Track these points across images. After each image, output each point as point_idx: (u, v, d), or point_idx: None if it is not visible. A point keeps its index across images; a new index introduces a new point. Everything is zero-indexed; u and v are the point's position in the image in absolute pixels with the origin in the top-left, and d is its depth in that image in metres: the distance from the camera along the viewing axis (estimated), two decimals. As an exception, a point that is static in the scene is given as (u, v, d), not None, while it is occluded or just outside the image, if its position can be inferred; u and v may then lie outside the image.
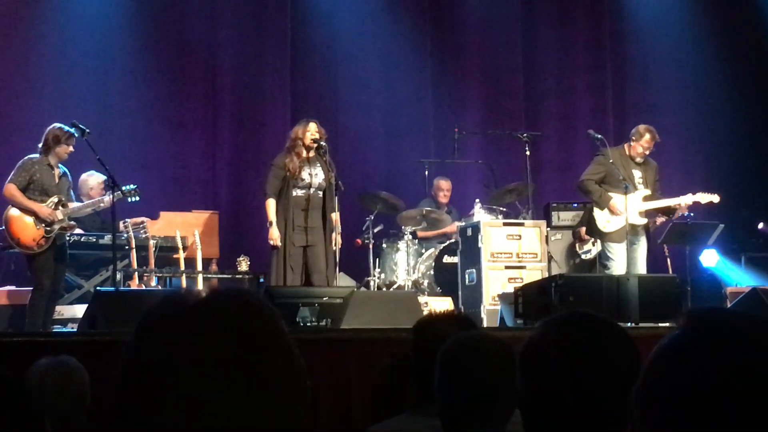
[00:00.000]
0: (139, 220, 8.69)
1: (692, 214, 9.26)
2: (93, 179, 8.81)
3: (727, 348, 1.04)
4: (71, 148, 7.57)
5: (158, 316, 1.07)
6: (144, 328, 1.07)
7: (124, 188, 7.78)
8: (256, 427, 1.02)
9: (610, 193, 8.44)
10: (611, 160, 8.45)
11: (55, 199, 7.57)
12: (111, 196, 7.74)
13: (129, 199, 7.98)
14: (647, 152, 8.59)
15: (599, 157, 8.61)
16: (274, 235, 7.89)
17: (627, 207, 8.31)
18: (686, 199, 8.55)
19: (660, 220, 9.03)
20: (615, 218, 8.46)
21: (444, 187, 10.26)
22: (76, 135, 7.58)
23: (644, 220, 8.53)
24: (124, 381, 1.05)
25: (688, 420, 1.02)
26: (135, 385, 1.04)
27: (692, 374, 1.03)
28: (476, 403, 2.41)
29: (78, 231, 8.32)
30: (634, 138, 8.59)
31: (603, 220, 8.52)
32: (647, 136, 8.51)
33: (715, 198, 8.66)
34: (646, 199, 8.53)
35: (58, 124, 7.62)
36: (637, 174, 8.56)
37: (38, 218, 7.49)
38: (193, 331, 1.04)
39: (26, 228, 7.49)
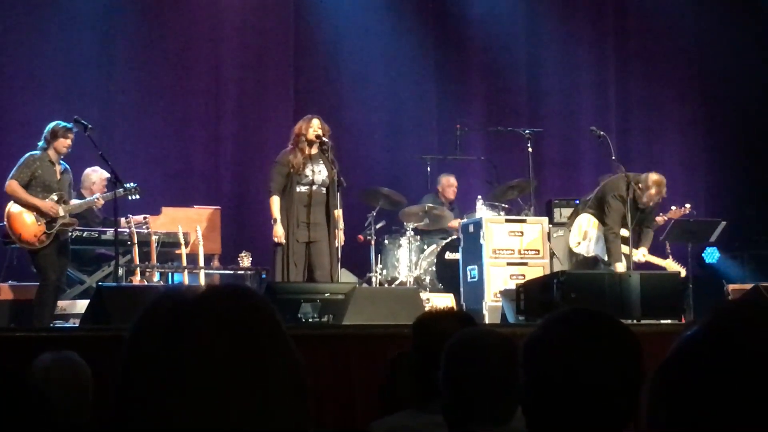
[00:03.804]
0: (140, 218, 8.67)
1: (695, 212, 9.25)
2: (95, 175, 8.79)
3: (754, 342, 1.02)
4: (69, 141, 7.57)
5: (156, 313, 1.06)
6: (142, 325, 1.06)
7: (126, 185, 7.78)
8: (256, 425, 1.02)
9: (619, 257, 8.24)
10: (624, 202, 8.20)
11: (56, 195, 7.58)
12: (106, 195, 7.75)
13: (130, 197, 7.99)
14: (651, 203, 8.34)
15: (618, 202, 8.25)
16: (279, 233, 7.89)
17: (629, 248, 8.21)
18: (639, 256, 8.35)
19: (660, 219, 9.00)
20: (585, 243, 8.44)
21: (453, 183, 10.29)
22: (75, 129, 7.58)
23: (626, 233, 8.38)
24: (123, 378, 1.05)
25: (708, 414, 1.01)
26: (133, 382, 1.04)
27: (716, 368, 1.02)
28: (481, 399, 2.40)
29: (79, 227, 8.32)
30: (640, 186, 8.27)
31: (573, 241, 8.51)
32: (652, 190, 8.23)
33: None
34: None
35: (55, 122, 7.64)
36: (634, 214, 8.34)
37: (40, 214, 7.50)
38: (190, 328, 1.03)
39: (27, 224, 7.50)
